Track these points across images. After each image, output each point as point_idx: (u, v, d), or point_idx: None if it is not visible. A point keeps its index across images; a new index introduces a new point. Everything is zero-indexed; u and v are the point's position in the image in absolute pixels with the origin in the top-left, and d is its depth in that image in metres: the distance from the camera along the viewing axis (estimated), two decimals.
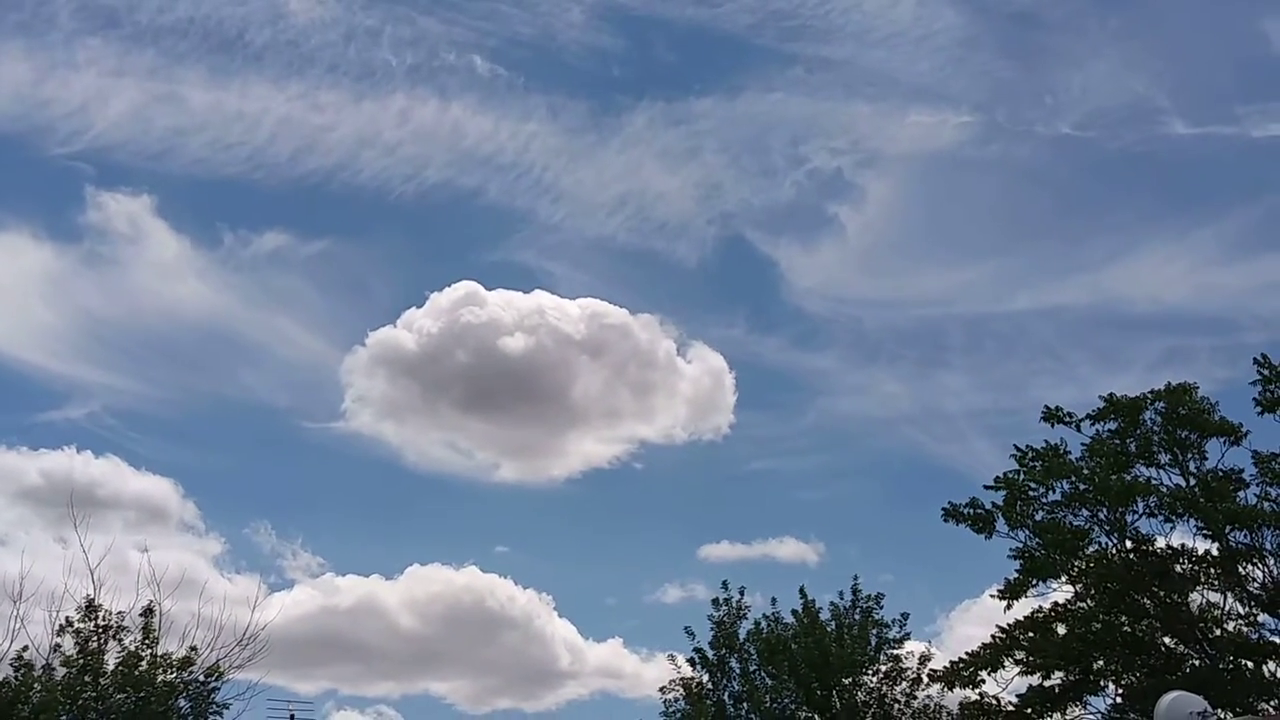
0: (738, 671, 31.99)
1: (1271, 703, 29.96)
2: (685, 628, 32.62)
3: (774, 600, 32.86)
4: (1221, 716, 13.71)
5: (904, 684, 31.63)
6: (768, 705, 31.14)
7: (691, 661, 32.29)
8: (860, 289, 73.86)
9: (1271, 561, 31.52)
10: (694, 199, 74.35)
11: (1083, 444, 33.72)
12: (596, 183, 74.82)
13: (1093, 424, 33.98)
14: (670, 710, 31.79)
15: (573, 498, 69.53)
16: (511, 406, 68.44)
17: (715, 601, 32.81)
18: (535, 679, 64.21)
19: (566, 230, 75.33)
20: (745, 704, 31.43)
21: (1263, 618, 32.04)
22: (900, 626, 32.03)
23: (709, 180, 74.29)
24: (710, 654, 32.24)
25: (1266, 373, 32.64)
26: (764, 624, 32.29)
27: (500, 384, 65.17)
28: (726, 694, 31.81)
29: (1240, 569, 31.86)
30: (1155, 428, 33.35)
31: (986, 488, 33.71)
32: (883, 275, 73.49)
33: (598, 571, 72.54)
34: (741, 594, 32.91)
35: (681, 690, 32.00)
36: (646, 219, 76.02)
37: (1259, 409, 32.64)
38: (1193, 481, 32.58)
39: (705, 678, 32.10)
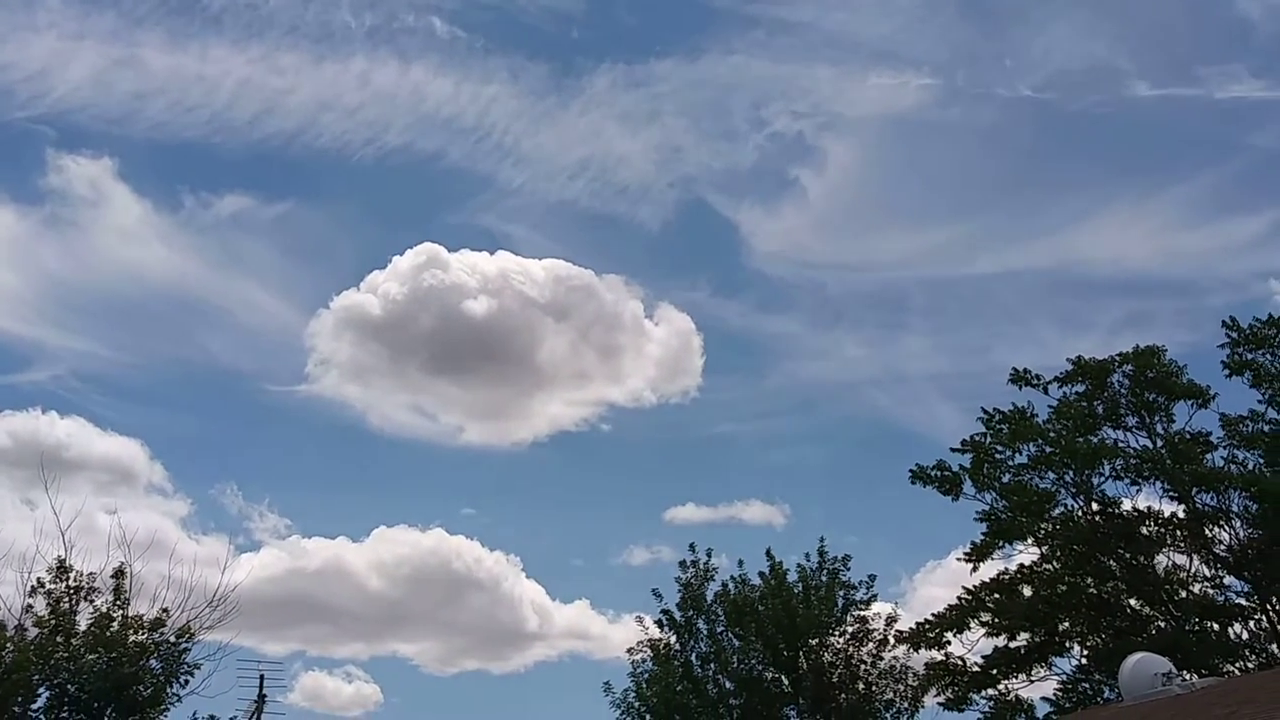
0: (705, 633, 31.97)
1: (1237, 665, 30.12)
2: (653, 589, 32.61)
3: (741, 562, 32.88)
4: (1186, 678, 13.63)
5: (870, 645, 31.64)
6: (735, 666, 31.14)
7: (659, 623, 32.27)
8: (823, 252, 73.80)
9: (1238, 524, 31.65)
10: (655, 162, 74.03)
11: (1050, 407, 33.79)
12: (558, 146, 74.35)
13: (1060, 387, 34.01)
14: (638, 671, 31.75)
15: (539, 460, 69.45)
16: (477, 369, 68.23)
17: (682, 563, 32.79)
18: (503, 640, 64.36)
19: (528, 193, 74.96)
20: (712, 665, 31.42)
21: (1229, 580, 32.23)
22: (867, 588, 32.05)
23: (670, 143, 73.95)
24: (678, 615, 32.21)
25: (1234, 335, 32.70)
26: (731, 586, 32.28)
27: (465, 346, 64.92)
28: (694, 655, 31.79)
29: (1207, 531, 31.97)
30: (1123, 390, 33.39)
31: (954, 450, 33.77)
32: (845, 239, 73.42)
33: (565, 533, 72.58)
34: (709, 556, 32.91)
35: (649, 651, 31.98)
36: (608, 182, 75.70)
37: (1226, 372, 32.72)
38: (1160, 444, 32.65)
39: (673, 639, 32.07)
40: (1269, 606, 31.56)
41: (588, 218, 74.48)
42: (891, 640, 31.92)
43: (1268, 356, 32.44)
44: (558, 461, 70.16)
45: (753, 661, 31.24)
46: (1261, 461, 31.86)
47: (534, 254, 79.32)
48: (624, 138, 73.95)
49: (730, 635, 31.74)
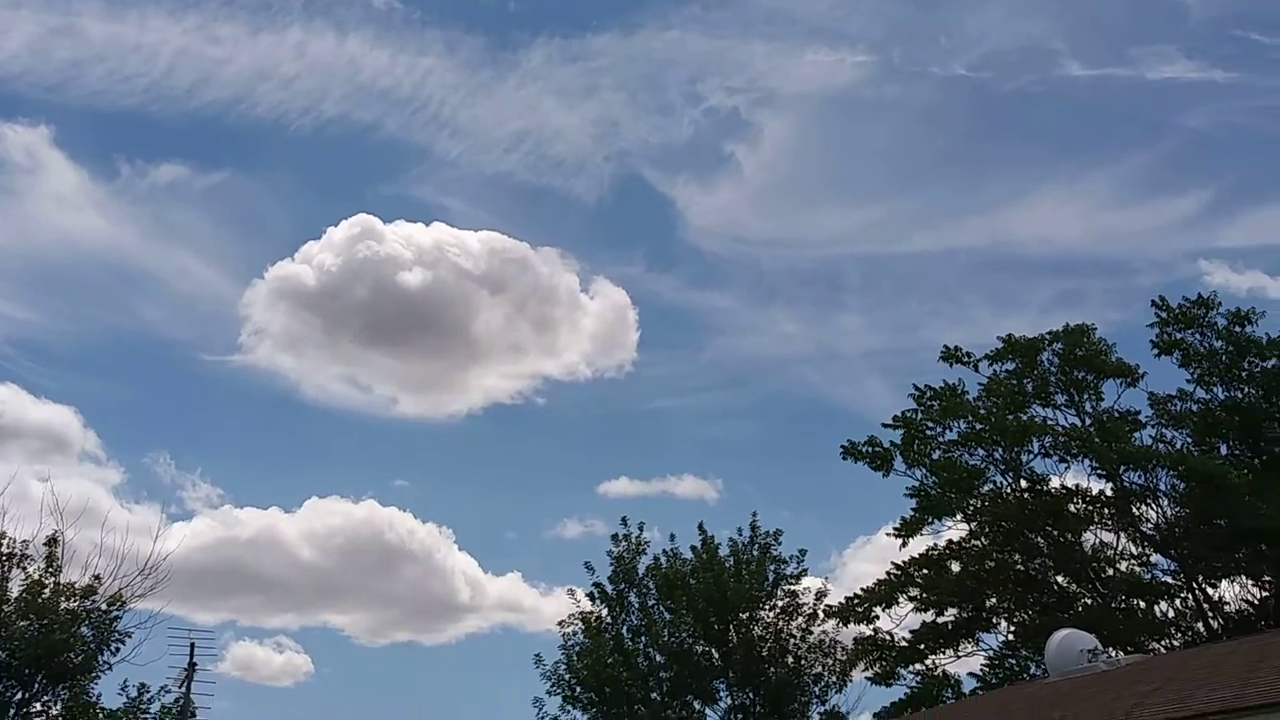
0: (636, 606, 31.92)
1: (1162, 642, 30.44)
2: (585, 563, 32.49)
3: (673, 536, 32.83)
4: (1111, 655, 13.68)
5: (800, 619, 31.72)
6: (666, 639, 31.10)
7: (591, 596, 32.17)
8: (757, 229, 73.78)
9: (1165, 502, 31.97)
10: (591, 136, 73.65)
11: (980, 384, 33.91)
12: (494, 118, 73.80)
13: (990, 364, 34.15)
14: (569, 644, 31.65)
15: (473, 433, 69.09)
16: (412, 341, 67.67)
17: (615, 537, 32.69)
18: (434, 612, 64.09)
19: (464, 166, 74.38)
20: (644, 638, 31.37)
21: (1155, 558, 32.56)
22: (797, 563, 32.10)
23: (606, 117, 73.61)
24: (609, 588, 32.13)
25: (1164, 315, 32.95)
26: (663, 559, 32.22)
27: (400, 318, 64.33)
28: (625, 628, 31.73)
29: (1134, 509, 32.25)
30: (1052, 368, 33.56)
31: (885, 426, 33.83)
32: (780, 215, 73.43)
33: (498, 506, 72.31)
34: (641, 530, 32.83)
35: (581, 624, 31.87)
36: (544, 155, 75.23)
37: (1156, 351, 32.99)
38: (1088, 422, 32.87)
39: (604, 612, 31.99)
40: (1194, 585, 31.93)
41: (524, 191, 74.07)
42: (821, 615, 32.02)
43: (1196, 336, 32.74)
44: (492, 434, 69.85)
45: (683, 635, 31.23)
46: (1189, 441, 32.18)
47: (469, 226, 78.82)
48: (560, 111, 73.53)
49: (661, 609, 31.71)
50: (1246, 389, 32.23)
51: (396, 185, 74.51)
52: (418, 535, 63.88)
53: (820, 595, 32.18)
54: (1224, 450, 32.12)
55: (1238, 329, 32.36)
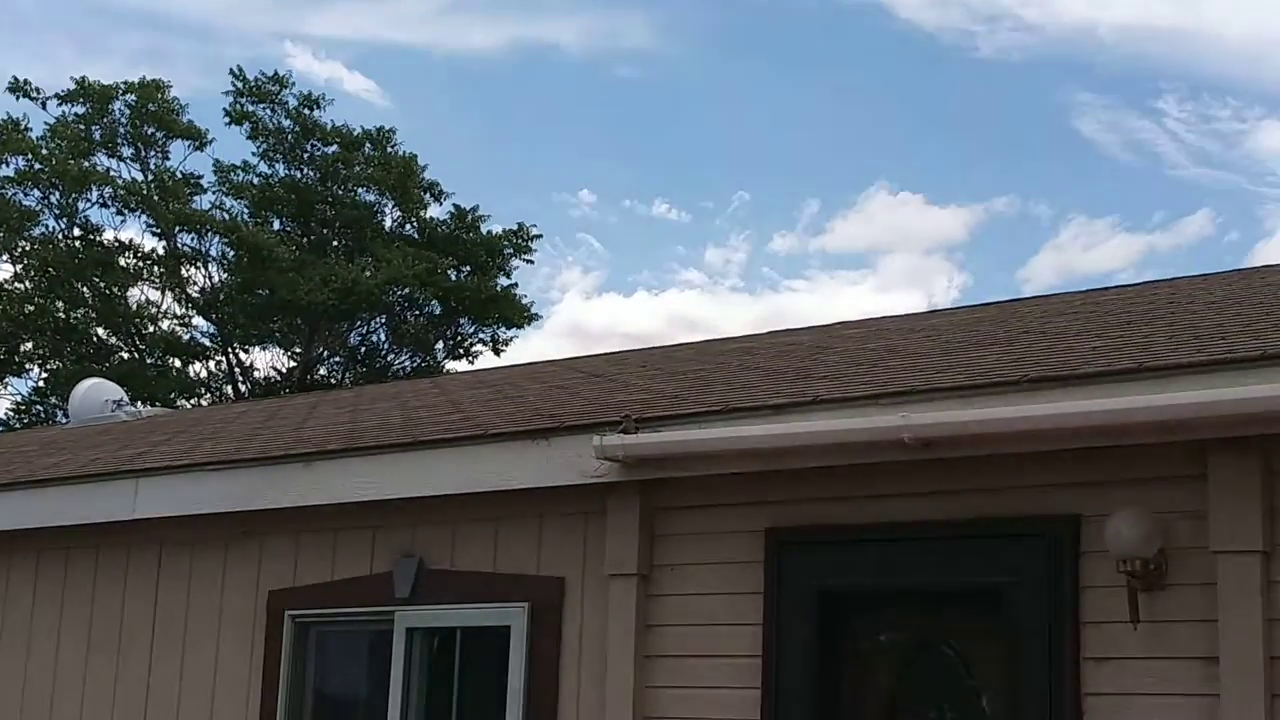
0: None
1: (192, 400, 31.58)
2: None
3: None
4: (138, 408, 14.11)
5: None
6: None
7: None
8: None
9: (215, 268, 32.93)
10: None
11: (46, 124, 32.52)
12: None
13: (60, 105, 32.84)
14: None
15: None
16: None
17: None
18: None
19: None
20: None
21: (198, 320, 33.56)
22: None
23: None
24: None
25: (240, 85, 33.45)
26: None
27: None
28: None
29: (183, 271, 32.89)
30: (124, 120, 32.98)
31: None
32: None
33: None
34: None
35: None
36: None
37: (228, 120, 33.48)
38: (151, 179, 32.81)
39: None
40: (231, 350, 33.42)
41: None
42: None
43: (268, 112, 33.67)
44: None
45: None
46: (247, 211, 33.26)
47: None
48: None
49: None
50: (306, 170, 33.87)
51: None
52: None
53: None
54: (277, 225, 33.65)
55: (307, 112, 33.74)
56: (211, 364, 33.71)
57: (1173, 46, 51.88)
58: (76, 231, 32.41)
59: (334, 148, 33.69)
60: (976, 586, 5.48)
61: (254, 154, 33.63)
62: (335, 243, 33.99)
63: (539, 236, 34.50)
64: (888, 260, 55.13)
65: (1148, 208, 56.12)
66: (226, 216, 32.61)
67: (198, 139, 33.34)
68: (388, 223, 34.34)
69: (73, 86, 32.62)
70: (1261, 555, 4.79)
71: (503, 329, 34.38)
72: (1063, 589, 5.16)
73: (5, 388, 32.46)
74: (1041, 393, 5.15)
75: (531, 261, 34.85)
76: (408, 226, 34.33)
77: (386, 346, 34.46)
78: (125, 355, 32.27)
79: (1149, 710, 4.96)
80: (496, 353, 34.05)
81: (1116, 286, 9.37)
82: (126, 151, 32.95)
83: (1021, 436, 5.09)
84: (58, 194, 31.84)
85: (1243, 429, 4.72)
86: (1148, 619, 4.94)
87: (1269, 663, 4.72)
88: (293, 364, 33.57)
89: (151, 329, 32.78)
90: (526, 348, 36.49)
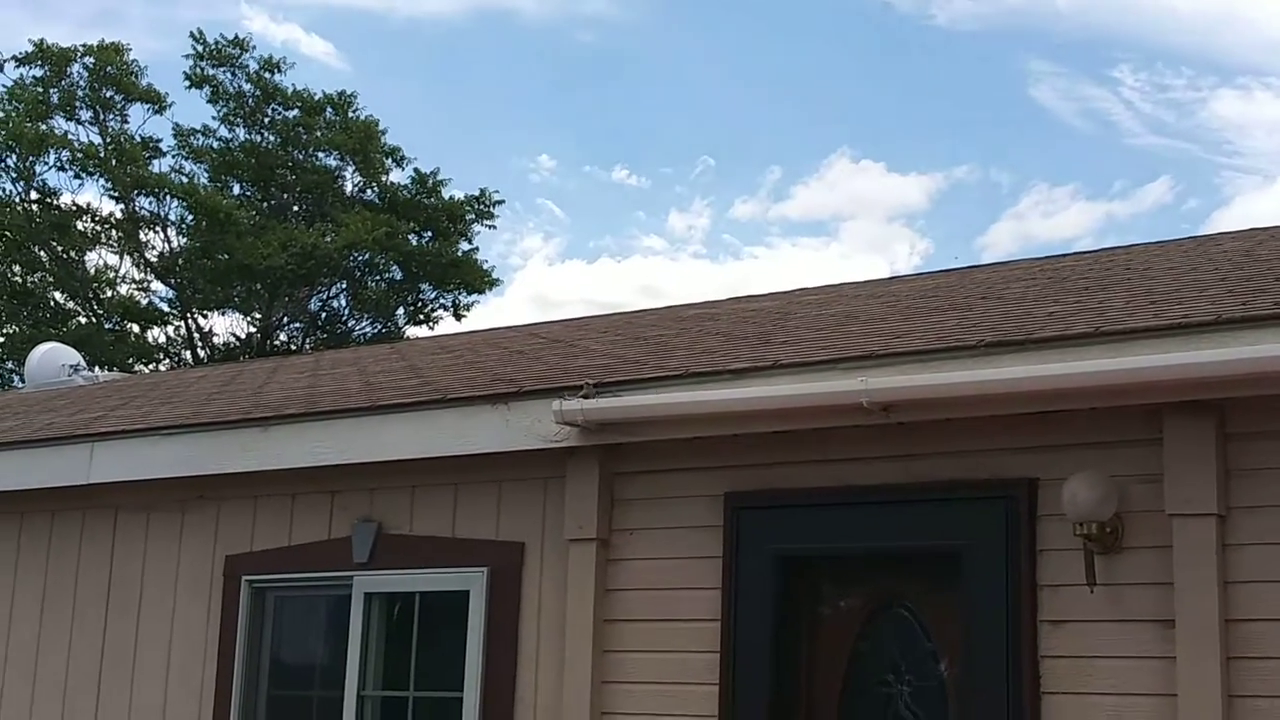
0: None
1: (150, 366, 31.37)
2: None
3: None
4: (95, 373, 13.98)
5: None
6: None
7: None
8: None
9: (173, 232, 32.64)
10: None
11: (3, 87, 32.15)
12: None
13: (18, 67, 32.48)
14: None
15: None
16: None
17: None
18: None
19: None
20: None
21: (156, 285, 33.30)
22: None
23: None
24: None
25: (200, 49, 33.10)
26: None
27: None
28: None
29: (141, 235, 32.61)
30: (82, 82, 32.62)
31: None
32: None
33: None
34: None
35: None
36: None
37: (188, 84, 33.14)
38: (109, 142, 32.47)
39: None
40: (190, 315, 33.16)
41: None
42: None
43: (228, 76, 33.35)
44: None
45: None
46: (206, 176, 32.99)
47: None
48: None
49: None
50: (267, 134, 33.58)
51: None
52: None
53: None
54: (236, 190, 33.38)
55: (268, 75, 33.43)
56: (170, 329, 33.47)
57: (1126, 16, 52.02)
58: (34, 195, 32.05)
59: (295, 112, 33.40)
60: (935, 550, 5.50)
61: (214, 118, 33.37)
62: (296, 207, 33.76)
63: (501, 202, 34.39)
64: (849, 227, 55.23)
65: (1107, 176, 56.34)
66: (186, 180, 32.31)
67: (157, 102, 33.00)
68: (348, 187, 34.14)
69: (30, 49, 32.26)
70: (1216, 518, 4.81)
71: (464, 294, 34.26)
72: (1020, 552, 5.18)
73: None
74: (999, 357, 5.16)
75: (494, 227, 34.75)
76: (369, 191, 34.12)
77: (347, 312, 34.28)
78: (83, 320, 31.98)
79: (1106, 672, 4.99)
80: (458, 318, 33.97)
81: (1074, 253, 9.39)
82: (85, 115, 32.60)
83: (979, 400, 5.10)
84: (14, 157, 31.45)
85: (1198, 393, 4.75)
86: (1104, 581, 4.97)
87: (1224, 625, 4.75)
88: (252, 329, 33.35)
89: (109, 293, 32.50)
90: (490, 315, 36.42)
